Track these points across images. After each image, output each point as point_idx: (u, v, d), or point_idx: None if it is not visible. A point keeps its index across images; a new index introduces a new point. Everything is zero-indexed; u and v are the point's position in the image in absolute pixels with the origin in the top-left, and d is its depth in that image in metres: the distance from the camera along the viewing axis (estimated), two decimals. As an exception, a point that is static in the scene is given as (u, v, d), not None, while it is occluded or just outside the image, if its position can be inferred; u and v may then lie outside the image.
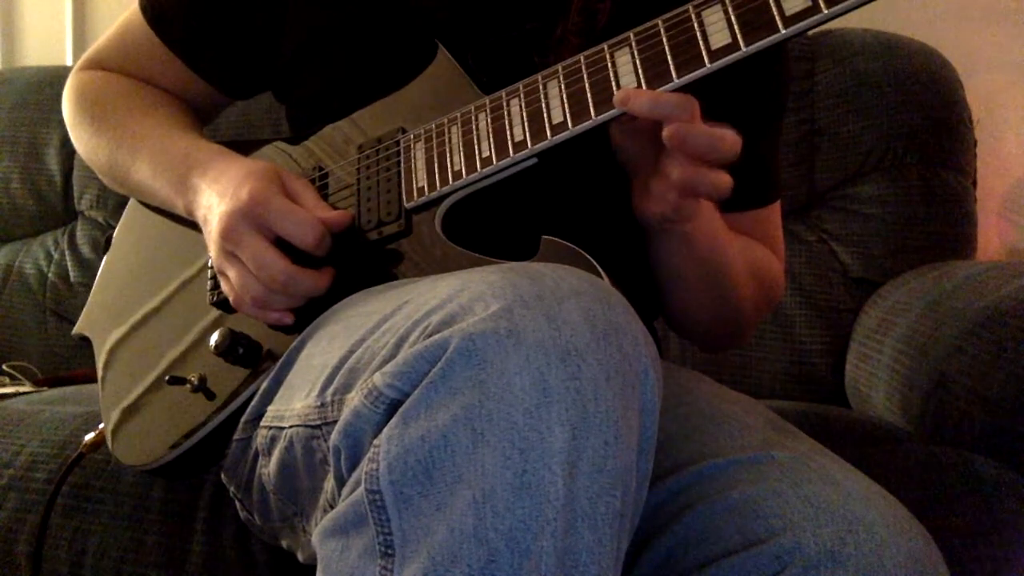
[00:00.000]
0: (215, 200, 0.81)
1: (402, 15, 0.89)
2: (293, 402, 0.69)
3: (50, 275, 1.71)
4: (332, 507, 0.60)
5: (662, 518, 0.66)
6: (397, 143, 0.81)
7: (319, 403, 0.64)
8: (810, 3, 0.62)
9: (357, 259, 0.80)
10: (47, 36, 2.06)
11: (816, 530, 0.60)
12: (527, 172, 0.74)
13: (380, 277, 0.77)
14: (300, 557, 0.79)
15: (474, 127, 0.75)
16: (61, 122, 1.05)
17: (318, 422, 0.64)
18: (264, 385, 0.76)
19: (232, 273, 0.79)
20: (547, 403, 0.51)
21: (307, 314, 0.77)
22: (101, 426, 0.91)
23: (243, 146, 0.96)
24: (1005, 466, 0.95)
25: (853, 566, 0.59)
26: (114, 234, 1.05)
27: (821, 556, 0.59)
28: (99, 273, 1.04)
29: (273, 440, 0.72)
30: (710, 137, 0.68)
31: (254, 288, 0.78)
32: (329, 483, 0.63)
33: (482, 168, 0.74)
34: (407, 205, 0.78)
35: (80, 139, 1.01)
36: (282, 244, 0.77)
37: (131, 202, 1.04)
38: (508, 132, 0.73)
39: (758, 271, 0.93)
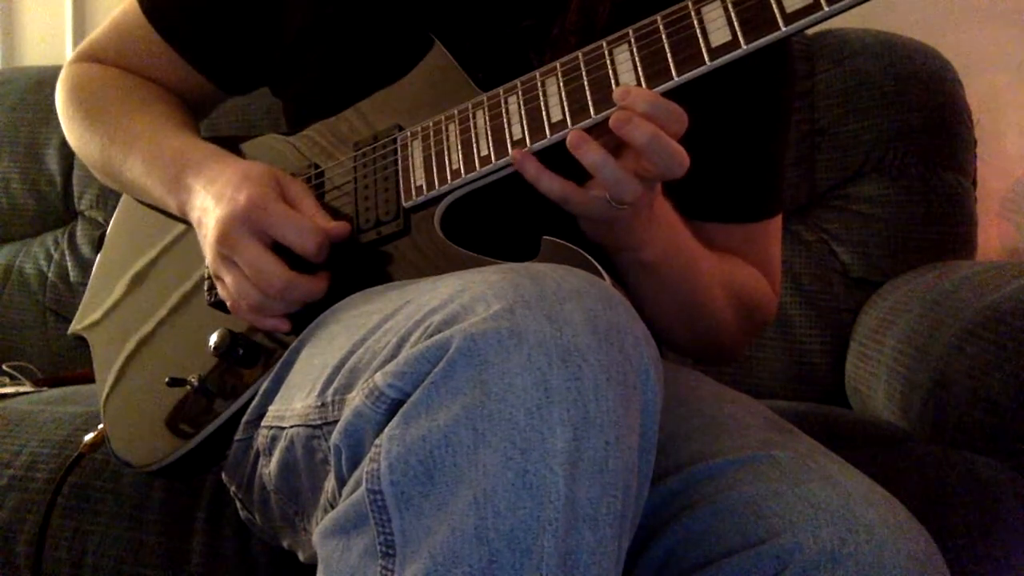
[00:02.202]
0: (211, 203, 0.80)
1: (397, 9, 0.88)
2: (294, 402, 0.69)
3: (50, 275, 1.71)
4: (333, 507, 0.60)
5: (662, 518, 0.66)
6: (394, 140, 0.81)
7: (320, 403, 0.64)
8: (811, 0, 0.61)
9: (355, 262, 0.80)
10: (47, 36, 2.06)
11: (816, 530, 0.60)
12: None
13: (379, 278, 0.77)
14: (301, 557, 0.79)
15: (472, 125, 0.75)
16: (61, 121, 1.05)
17: (319, 422, 0.64)
18: (264, 385, 0.76)
19: (229, 278, 0.79)
20: (548, 403, 0.51)
21: (304, 317, 0.77)
22: (101, 426, 0.91)
23: (238, 141, 0.96)
24: (1005, 466, 0.95)
25: (853, 566, 0.59)
26: (107, 232, 1.05)
27: (821, 556, 0.59)
28: (93, 272, 1.04)
29: (274, 440, 0.72)
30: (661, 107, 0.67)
31: (251, 294, 0.77)
32: (330, 483, 0.63)
33: (481, 167, 0.74)
34: (405, 204, 0.78)
35: (73, 132, 1.00)
36: (278, 248, 0.77)
37: (123, 198, 1.03)
38: (507, 130, 0.73)
39: (740, 295, 0.91)
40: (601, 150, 0.68)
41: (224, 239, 0.77)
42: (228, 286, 0.79)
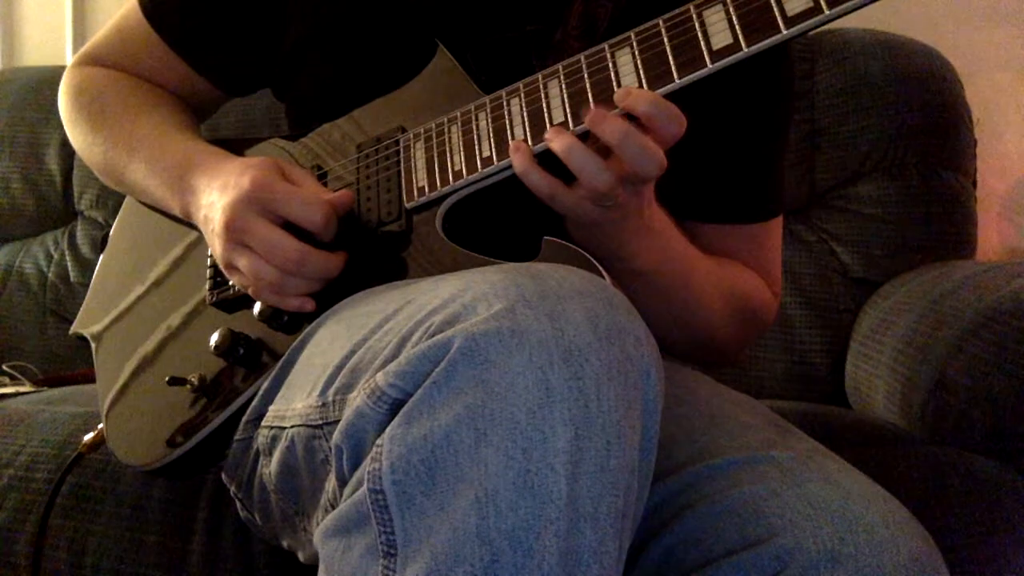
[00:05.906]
0: (216, 196, 0.80)
1: (401, 13, 0.89)
2: (294, 402, 0.69)
3: (50, 275, 1.71)
4: (334, 507, 0.60)
5: (662, 518, 0.66)
6: (397, 142, 0.81)
7: (320, 403, 0.64)
8: (812, 4, 0.62)
9: (363, 251, 0.80)
10: (47, 36, 2.06)
11: (816, 530, 0.60)
12: None
13: (380, 278, 0.77)
14: (301, 557, 0.79)
15: (474, 127, 0.75)
16: (61, 122, 1.05)
17: (320, 422, 0.64)
18: (265, 385, 0.76)
19: (243, 263, 0.78)
20: (550, 403, 0.51)
21: (326, 300, 0.76)
22: (101, 426, 0.91)
23: (241, 144, 0.96)
24: (1005, 466, 0.95)
25: (853, 566, 0.59)
26: (110, 232, 1.05)
27: (821, 556, 0.59)
28: (96, 272, 1.04)
29: (274, 440, 0.72)
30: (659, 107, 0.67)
31: (269, 274, 0.76)
32: (331, 483, 0.63)
33: (483, 168, 0.74)
34: (407, 205, 0.78)
35: (76, 136, 1.01)
36: (289, 230, 0.77)
37: (127, 200, 1.04)
38: (509, 132, 0.73)
39: (737, 300, 0.91)
40: (571, 136, 0.68)
41: (233, 222, 0.77)
42: (244, 270, 0.78)
